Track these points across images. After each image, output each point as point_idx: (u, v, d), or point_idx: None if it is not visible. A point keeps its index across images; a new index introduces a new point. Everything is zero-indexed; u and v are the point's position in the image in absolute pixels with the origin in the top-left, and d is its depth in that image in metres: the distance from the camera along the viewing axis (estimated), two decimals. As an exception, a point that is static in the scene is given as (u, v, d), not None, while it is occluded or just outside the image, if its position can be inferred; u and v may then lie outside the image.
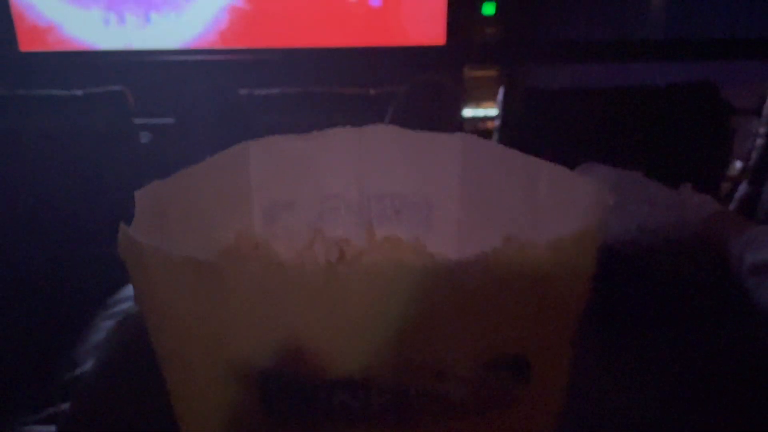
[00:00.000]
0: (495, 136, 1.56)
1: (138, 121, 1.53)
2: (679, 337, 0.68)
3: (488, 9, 3.13)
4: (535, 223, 0.27)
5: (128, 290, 0.79)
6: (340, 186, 0.31)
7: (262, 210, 0.29)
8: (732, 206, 1.60)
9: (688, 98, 1.53)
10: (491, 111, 2.83)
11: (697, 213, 0.91)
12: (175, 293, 0.20)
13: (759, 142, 1.57)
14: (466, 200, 0.30)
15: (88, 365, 0.63)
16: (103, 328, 0.69)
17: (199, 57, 2.79)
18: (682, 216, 0.95)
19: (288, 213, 0.30)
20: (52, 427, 0.59)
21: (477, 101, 2.86)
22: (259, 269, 0.19)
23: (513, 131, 1.52)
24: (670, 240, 0.94)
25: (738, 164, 1.71)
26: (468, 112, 2.81)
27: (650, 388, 0.42)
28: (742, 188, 1.64)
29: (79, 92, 1.49)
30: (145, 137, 1.58)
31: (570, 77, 2.49)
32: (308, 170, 0.31)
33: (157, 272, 0.20)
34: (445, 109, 1.26)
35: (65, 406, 0.61)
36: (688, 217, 0.94)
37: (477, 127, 2.49)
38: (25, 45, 2.70)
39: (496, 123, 1.57)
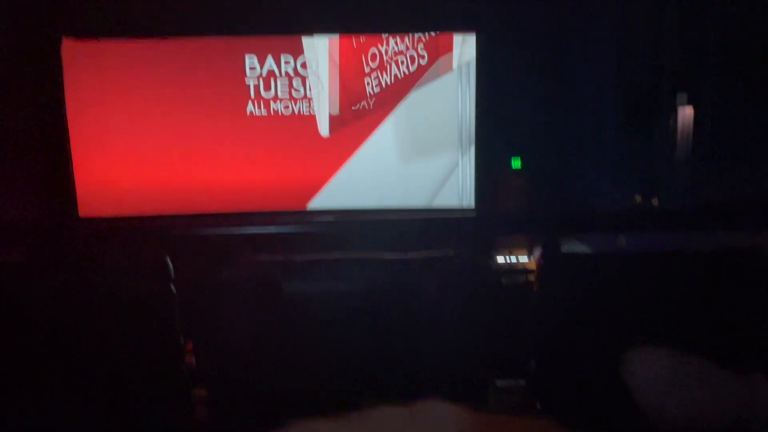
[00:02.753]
0: (533, 301, 1.51)
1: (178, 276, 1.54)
2: None
3: (516, 163, 3.28)
4: None
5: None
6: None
7: None
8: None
9: (734, 263, 1.48)
10: (523, 258, 2.81)
11: (772, 405, 0.82)
12: None
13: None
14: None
15: None
16: None
17: (236, 227, 2.90)
18: (754, 406, 0.85)
19: None
20: None
21: (509, 249, 2.85)
22: None
23: (553, 297, 1.47)
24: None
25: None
26: (500, 260, 2.80)
27: None
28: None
29: (122, 259, 1.52)
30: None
31: (600, 243, 2.50)
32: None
33: None
34: (487, 289, 1.23)
35: None
36: (762, 411, 0.84)
37: (512, 280, 2.45)
38: (85, 211, 2.91)
39: (535, 289, 1.52)
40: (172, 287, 1.47)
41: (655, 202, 2.94)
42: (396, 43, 3.38)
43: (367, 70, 3.41)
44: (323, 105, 3.31)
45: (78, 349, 1.43)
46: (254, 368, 1.28)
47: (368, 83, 3.44)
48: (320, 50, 3.39)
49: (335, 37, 3.37)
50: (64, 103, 3.01)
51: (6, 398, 1.34)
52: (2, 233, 2.05)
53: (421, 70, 3.40)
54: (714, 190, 2.57)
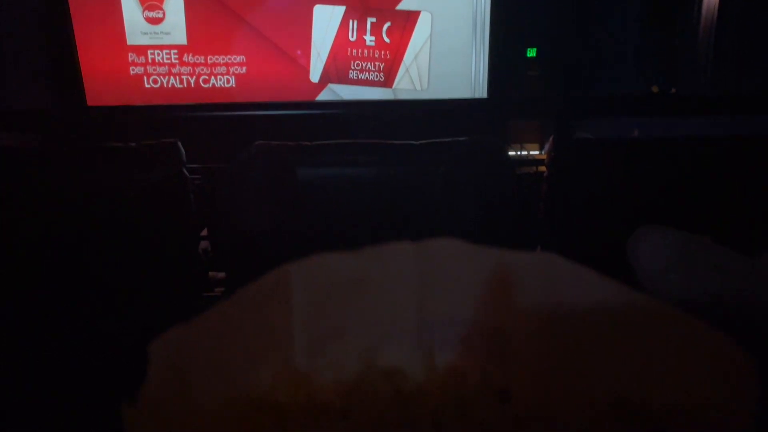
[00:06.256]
0: (543, 186, 1.51)
1: (191, 166, 1.56)
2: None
3: (531, 53, 3.17)
4: (645, 377, 0.22)
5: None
6: (396, 310, 0.26)
7: (304, 342, 0.25)
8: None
9: (753, 150, 1.46)
10: (534, 152, 2.79)
11: (779, 285, 0.82)
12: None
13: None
14: (549, 333, 0.25)
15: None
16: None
17: (247, 112, 2.90)
18: (762, 288, 0.86)
19: (335, 343, 0.26)
20: None
21: (521, 143, 2.83)
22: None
23: (564, 183, 1.47)
24: (747, 315, 0.85)
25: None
26: (511, 154, 2.77)
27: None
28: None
29: (133, 144, 1.52)
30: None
31: (614, 129, 2.45)
32: (359, 293, 0.27)
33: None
34: (498, 168, 1.22)
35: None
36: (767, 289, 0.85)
37: (522, 170, 2.46)
38: (92, 100, 2.92)
39: (546, 174, 1.52)
40: (185, 171, 1.48)
41: (673, 92, 2.86)
42: None
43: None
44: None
45: (92, 234, 1.46)
46: (270, 249, 1.31)
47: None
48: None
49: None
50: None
51: (18, 281, 1.38)
52: (14, 120, 2.05)
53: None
54: (734, 79, 2.49)
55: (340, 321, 0.26)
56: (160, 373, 0.21)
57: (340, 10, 3.25)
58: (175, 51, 3.09)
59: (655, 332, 0.24)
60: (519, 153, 2.77)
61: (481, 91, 2.96)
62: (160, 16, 3.17)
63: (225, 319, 0.25)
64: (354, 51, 3.25)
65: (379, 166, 1.45)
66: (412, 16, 3.24)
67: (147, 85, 3.05)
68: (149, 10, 3.15)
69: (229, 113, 2.71)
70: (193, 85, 3.12)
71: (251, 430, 0.22)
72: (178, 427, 0.18)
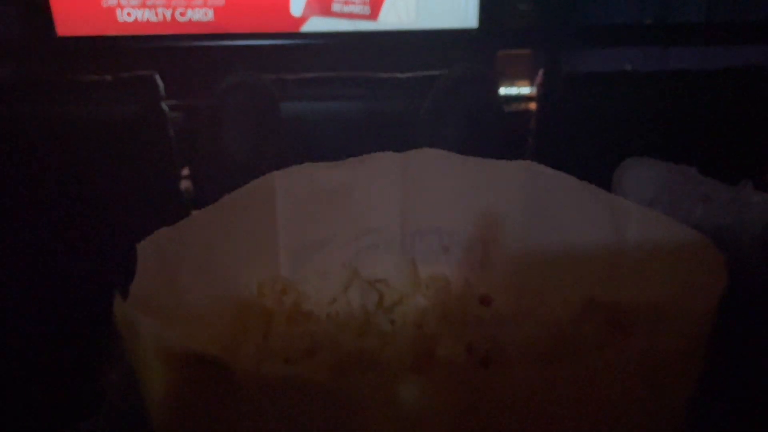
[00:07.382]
0: (532, 121, 1.50)
1: (169, 102, 1.52)
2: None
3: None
4: (619, 276, 0.23)
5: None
6: (380, 220, 0.26)
7: (290, 251, 0.25)
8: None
9: (741, 82, 1.45)
10: (525, 89, 2.76)
11: (759, 214, 0.84)
12: (175, 381, 0.17)
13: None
14: (529, 240, 0.25)
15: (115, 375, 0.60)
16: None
17: (227, 42, 2.82)
18: (742, 217, 0.88)
19: (320, 252, 0.26)
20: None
21: (511, 80, 2.79)
22: (271, 373, 0.15)
23: (553, 118, 1.46)
24: (728, 244, 0.87)
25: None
26: (501, 91, 2.74)
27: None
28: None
29: (108, 77, 1.48)
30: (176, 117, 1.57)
31: (607, 61, 2.41)
32: (343, 203, 0.26)
33: (156, 356, 0.17)
34: (485, 99, 1.21)
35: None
36: (748, 218, 0.87)
37: (511, 108, 2.43)
38: (63, 30, 2.79)
39: (536, 109, 1.51)
40: (163, 105, 1.44)
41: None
42: None
43: None
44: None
45: (66, 172, 1.42)
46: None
47: None
48: None
49: None
50: None
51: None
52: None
53: None
54: (729, 9, 2.45)
55: (324, 230, 0.26)
56: (148, 268, 0.21)
57: (323, -64, 3.11)
58: (150, -19, 2.95)
59: (628, 230, 0.24)
60: (509, 91, 2.74)
61: (470, 23, 2.88)
62: (133, -58, 3.02)
63: (212, 222, 0.25)
64: (338, -19, 3.13)
65: (364, 100, 1.42)
66: (398, -56, 3.10)
67: (121, 19, 2.93)
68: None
69: (207, 43, 2.63)
70: (169, 18, 3.00)
71: (238, 329, 0.22)
72: (168, 320, 0.18)
